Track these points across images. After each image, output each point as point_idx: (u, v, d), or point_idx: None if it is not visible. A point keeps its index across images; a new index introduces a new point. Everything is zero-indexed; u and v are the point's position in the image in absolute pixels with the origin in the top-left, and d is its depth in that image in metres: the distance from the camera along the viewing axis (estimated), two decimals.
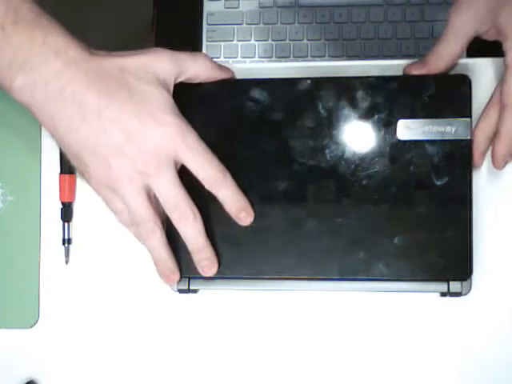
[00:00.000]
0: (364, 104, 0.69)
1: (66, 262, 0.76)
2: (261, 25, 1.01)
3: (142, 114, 0.61)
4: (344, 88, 0.69)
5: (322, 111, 0.69)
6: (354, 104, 0.69)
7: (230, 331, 0.75)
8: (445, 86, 0.68)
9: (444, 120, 0.68)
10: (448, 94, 0.68)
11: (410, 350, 0.73)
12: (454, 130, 0.68)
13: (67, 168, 0.76)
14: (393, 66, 0.73)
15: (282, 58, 1.00)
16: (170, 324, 0.75)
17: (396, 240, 0.68)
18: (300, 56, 1.00)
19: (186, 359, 0.75)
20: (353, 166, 0.69)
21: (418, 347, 0.73)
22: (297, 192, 0.69)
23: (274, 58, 1.01)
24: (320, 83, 0.70)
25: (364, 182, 0.69)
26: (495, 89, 0.70)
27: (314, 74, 0.73)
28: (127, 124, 0.61)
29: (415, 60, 0.71)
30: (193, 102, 0.70)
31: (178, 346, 0.75)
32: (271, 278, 0.71)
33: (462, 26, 0.67)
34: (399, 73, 0.72)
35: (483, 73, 0.71)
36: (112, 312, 0.76)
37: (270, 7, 1.01)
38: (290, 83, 0.70)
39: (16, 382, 0.76)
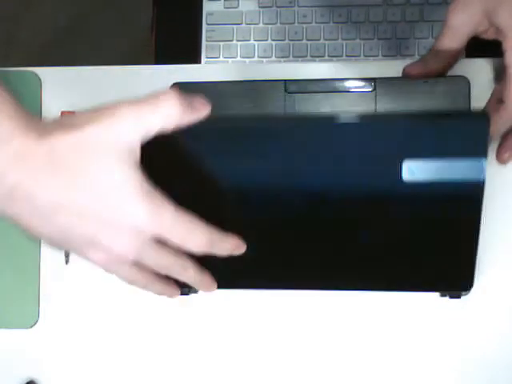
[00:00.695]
0: (369, 146, 0.60)
1: (66, 262, 0.76)
2: (260, 25, 1.01)
3: (109, 208, 0.52)
4: (344, 131, 0.60)
5: (324, 152, 0.61)
6: (354, 147, 0.60)
7: (230, 331, 0.75)
8: (459, 124, 0.57)
9: (456, 161, 0.58)
10: (462, 133, 0.58)
11: (410, 350, 0.73)
12: (467, 171, 0.59)
13: None
14: (392, 66, 0.73)
15: (282, 57, 1.00)
16: (169, 324, 0.75)
17: (401, 258, 0.66)
18: (300, 56, 1.00)
19: (186, 359, 0.75)
20: (355, 206, 0.63)
21: (419, 347, 0.73)
22: (299, 230, 0.65)
23: (273, 58, 1.01)
24: (322, 122, 0.61)
25: (368, 220, 0.64)
26: (494, 88, 0.70)
27: (314, 74, 0.74)
28: (93, 219, 0.52)
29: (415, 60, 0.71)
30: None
31: (177, 345, 0.75)
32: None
33: (459, 25, 0.68)
34: (399, 73, 0.72)
35: (483, 73, 0.71)
36: (112, 312, 0.76)
37: (270, 7, 1.01)
38: (290, 124, 0.60)
39: (16, 382, 0.76)
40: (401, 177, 0.59)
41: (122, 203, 0.52)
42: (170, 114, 0.53)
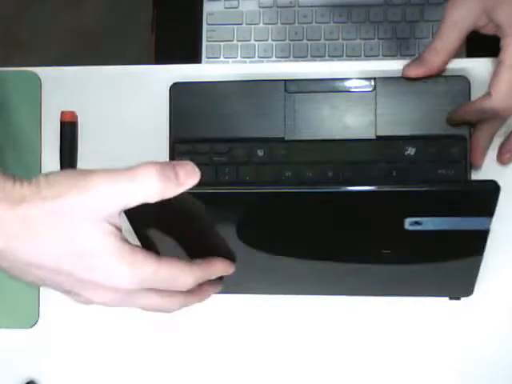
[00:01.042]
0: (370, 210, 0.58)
1: None
2: (261, 25, 1.01)
3: (86, 269, 0.51)
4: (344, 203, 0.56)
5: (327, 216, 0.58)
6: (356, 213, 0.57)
7: (230, 332, 0.75)
8: (469, 191, 0.56)
9: (462, 218, 0.57)
10: (471, 196, 0.57)
11: (411, 350, 0.73)
12: (471, 225, 0.58)
13: (67, 168, 0.76)
14: (392, 66, 0.73)
15: (282, 58, 1.00)
16: (169, 324, 0.75)
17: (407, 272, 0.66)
18: (300, 56, 1.00)
19: (185, 359, 0.75)
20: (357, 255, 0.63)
21: (419, 348, 0.73)
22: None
23: (273, 58, 1.01)
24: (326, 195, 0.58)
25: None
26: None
27: (314, 74, 0.74)
28: (70, 277, 0.51)
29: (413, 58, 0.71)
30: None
31: (177, 345, 0.75)
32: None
33: (457, 21, 0.68)
34: (399, 73, 0.72)
35: (483, 73, 0.71)
36: (111, 312, 0.76)
37: (270, 7, 1.01)
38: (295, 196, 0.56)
39: (16, 382, 0.76)
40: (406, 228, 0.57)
41: (101, 267, 0.51)
42: (148, 190, 0.50)
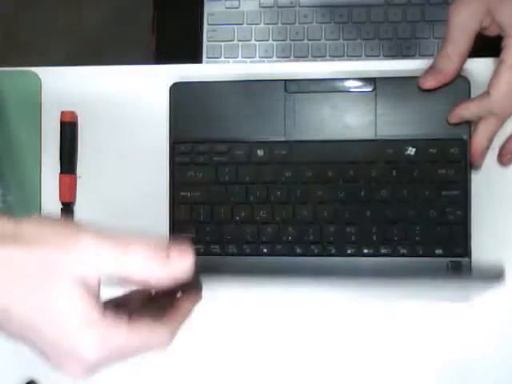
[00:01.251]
0: None
1: None
2: (261, 25, 1.01)
3: (55, 332, 0.48)
4: None
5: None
6: None
7: (229, 332, 0.75)
8: None
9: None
10: None
11: (411, 350, 0.73)
12: None
13: (67, 168, 0.76)
14: (393, 66, 0.73)
15: (283, 58, 1.00)
16: None
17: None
18: (301, 56, 1.00)
19: (185, 359, 0.75)
20: None
21: (420, 348, 0.73)
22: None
23: (274, 58, 1.01)
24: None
25: None
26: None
27: (314, 74, 0.73)
28: (40, 338, 0.50)
29: (415, 60, 0.71)
30: None
31: (177, 344, 0.75)
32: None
33: (464, 23, 0.67)
34: (399, 73, 0.72)
35: (483, 73, 0.71)
36: None
37: (271, 7, 1.01)
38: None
39: (16, 382, 0.76)
40: None
41: (68, 333, 0.48)
42: (134, 270, 0.48)
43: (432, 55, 0.96)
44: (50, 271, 0.47)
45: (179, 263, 0.49)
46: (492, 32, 0.67)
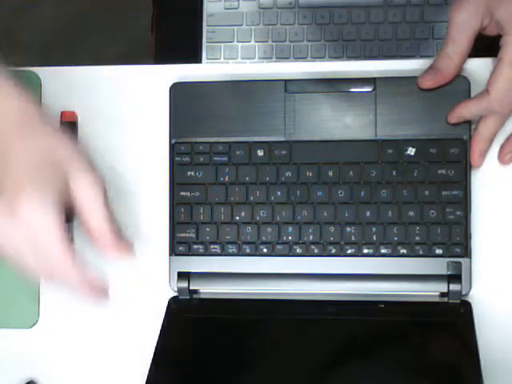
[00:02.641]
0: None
1: None
2: (261, 26, 1.01)
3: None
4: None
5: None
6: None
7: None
8: None
9: None
10: None
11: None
12: None
13: None
14: (392, 66, 0.73)
15: (282, 58, 1.00)
16: None
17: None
18: (300, 57, 1.00)
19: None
20: None
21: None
22: None
23: (273, 59, 1.00)
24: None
25: None
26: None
27: (314, 74, 0.74)
28: None
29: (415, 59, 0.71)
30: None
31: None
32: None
33: (465, 23, 0.67)
34: (399, 74, 0.72)
35: (483, 73, 0.71)
36: (111, 312, 0.76)
37: (270, 8, 1.01)
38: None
39: (16, 382, 0.76)
40: None
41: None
42: (88, 188, 0.61)
43: (432, 56, 0.96)
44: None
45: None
46: (491, 31, 0.68)
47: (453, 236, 0.71)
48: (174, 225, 0.74)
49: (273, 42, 1.01)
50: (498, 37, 0.67)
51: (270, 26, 1.01)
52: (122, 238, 0.64)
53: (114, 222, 0.63)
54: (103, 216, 0.62)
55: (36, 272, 0.62)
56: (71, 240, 0.76)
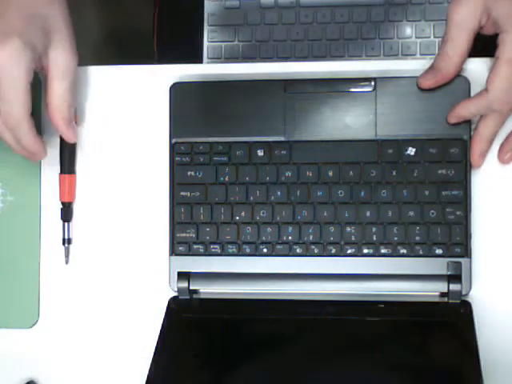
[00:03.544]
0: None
1: (66, 262, 0.76)
2: (262, 25, 1.01)
3: None
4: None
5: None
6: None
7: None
8: None
9: None
10: None
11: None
12: None
13: (67, 168, 0.76)
14: (393, 66, 0.73)
15: (284, 58, 1.00)
16: None
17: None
18: (301, 56, 1.00)
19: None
20: None
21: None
22: None
23: (275, 59, 1.00)
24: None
25: None
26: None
27: (314, 74, 0.73)
28: None
29: (416, 59, 0.71)
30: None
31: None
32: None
33: (463, 22, 0.67)
34: (399, 73, 0.72)
35: (483, 73, 0.70)
36: (111, 312, 0.76)
37: (271, 8, 1.01)
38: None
39: (16, 382, 0.76)
40: None
41: None
42: (62, 53, 0.68)
43: (433, 55, 0.96)
44: None
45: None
46: (488, 30, 0.67)
47: (453, 236, 0.70)
48: (174, 225, 0.74)
49: (274, 41, 1.01)
50: (496, 36, 0.67)
51: (272, 26, 1.01)
52: (69, 127, 0.70)
53: (69, 106, 0.69)
54: (64, 96, 0.68)
55: None
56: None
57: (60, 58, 0.68)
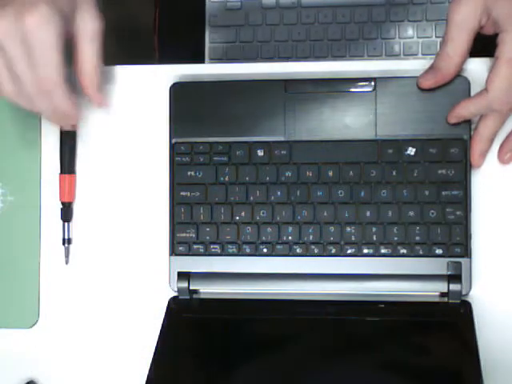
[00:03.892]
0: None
1: (66, 262, 0.76)
2: (263, 26, 1.01)
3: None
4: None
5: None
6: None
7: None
8: None
9: None
10: None
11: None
12: None
13: (67, 168, 0.76)
14: (393, 66, 0.73)
15: (286, 58, 1.00)
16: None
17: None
18: (303, 56, 1.00)
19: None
20: None
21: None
22: None
23: (276, 59, 1.00)
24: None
25: None
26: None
27: (315, 74, 0.73)
28: None
29: (416, 59, 0.71)
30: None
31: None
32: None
33: (464, 21, 0.67)
34: (399, 73, 0.72)
35: (483, 73, 0.70)
36: (111, 312, 0.76)
37: (273, 8, 1.01)
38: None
39: (16, 382, 0.76)
40: None
41: None
42: (89, 24, 0.69)
43: (434, 54, 0.96)
44: None
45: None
46: (488, 30, 0.67)
47: (453, 236, 0.70)
48: (174, 225, 0.74)
49: (276, 42, 1.01)
50: (496, 36, 0.67)
51: (273, 26, 1.01)
52: (97, 91, 0.70)
53: (98, 70, 0.70)
54: (93, 59, 0.69)
55: (11, 89, 0.66)
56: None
57: (88, 22, 0.68)
